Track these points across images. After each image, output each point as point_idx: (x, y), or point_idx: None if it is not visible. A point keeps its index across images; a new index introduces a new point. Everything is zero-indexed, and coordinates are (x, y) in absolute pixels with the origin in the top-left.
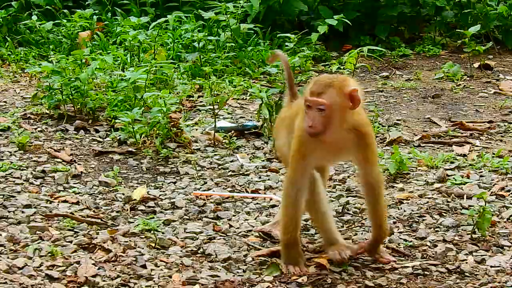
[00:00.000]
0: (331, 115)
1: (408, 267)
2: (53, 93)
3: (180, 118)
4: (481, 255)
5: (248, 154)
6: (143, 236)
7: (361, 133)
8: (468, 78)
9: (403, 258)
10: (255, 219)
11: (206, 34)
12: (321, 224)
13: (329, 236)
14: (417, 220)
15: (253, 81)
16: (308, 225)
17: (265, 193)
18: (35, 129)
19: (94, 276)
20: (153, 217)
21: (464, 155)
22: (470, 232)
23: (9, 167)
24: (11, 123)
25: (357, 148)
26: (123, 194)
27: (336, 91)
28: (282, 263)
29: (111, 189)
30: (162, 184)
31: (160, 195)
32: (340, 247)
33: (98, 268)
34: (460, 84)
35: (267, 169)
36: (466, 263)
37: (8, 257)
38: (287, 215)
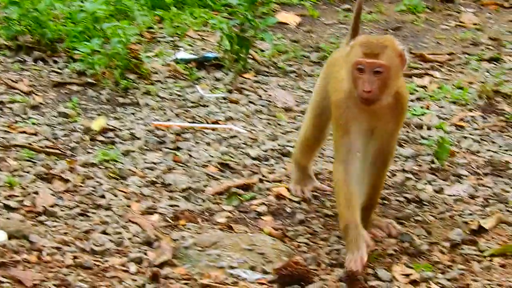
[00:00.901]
0: (389, 78)
1: None
2: (11, 24)
3: (140, 49)
4: (440, 185)
5: (208, 85)
6: (102, 167)
7: (402, 98)
8: (429, 11)
9: None
10: (215, 149)
11: None
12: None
13: None
14: None
15: (214, 12)
16: (268, 155)
17: (225, 124)
18: None
19: (52, 206)
20: (113, 148)
21: (424, 87)
22: (429, 162)
23: None
24: None
25: (392, 115)
26: (82, 125)
27: (392, 51)
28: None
29: (70, 120)
30: (122, 115)
31: (119, 126)
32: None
33: (57, 198)
34: (421, 17)
35: (227, 100)
36: (425, 192)
37: None
38: (341, 203)
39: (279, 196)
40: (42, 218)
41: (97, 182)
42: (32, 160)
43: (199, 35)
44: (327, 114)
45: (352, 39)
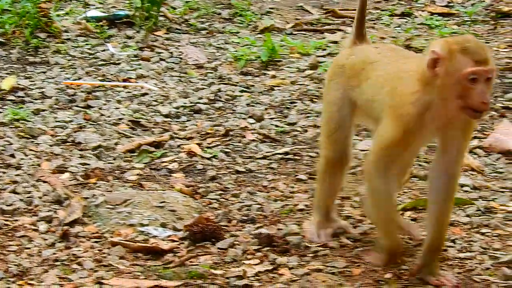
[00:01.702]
0: (493, 83)
1: (279, 153)
2: None
3: (51, 8)
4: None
5: (119, 43)
6: (12, 126)
7: None
8: None
9: (274, 144)
10: (126, 107)
11: None
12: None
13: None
14: (289, 106)
15: None
16: (179, 113)
17: (136, 82)
18: None
19: None
20: (23, 107)
21: (336, 42)
22: None
23: None
24: None
25: (464, 129)
26: None
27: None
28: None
29: None
30: (32, 74)
31: (30, 85)
32: None
33: None
34: None
35: (138, 58)
36: None
37: None
38: (381, 219)
39: (190, 153)
40: None
41: (7, 141)
42: None
43: None
44: (348, 125)
45: (358, 38)
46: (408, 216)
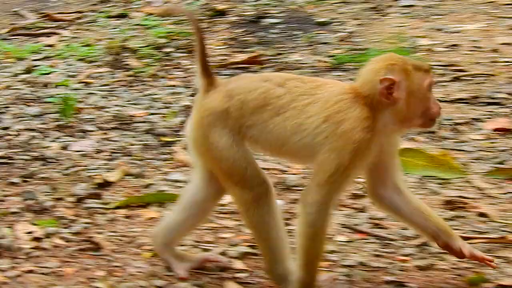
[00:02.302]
0: None
1: None
2: None
3: None
4: (65, 141)
5: None
6: None
7: None
8: None
9: None
10: None
11: None
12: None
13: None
14: (4, 111)
15: None
16: None
17: None
18: None
19: None
20: None
21: (52, 46)
22: (55, 120)
23: None
24: None
25: (395, 142)
26: None
27: None
28: None
29: None
30: None
31: None
32: None
33: None
34: None
35: None
36: (50, 149)
37: None
38: (314, 254)
39: None
40: None
41: None
42: None
43: None
44: (251, 159)
45: (209, 80)
46: (122, 215)
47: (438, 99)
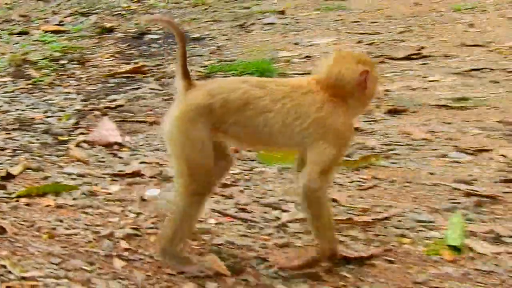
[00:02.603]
0: None
1: None
2: None
3: None
4: None
5: None
6: None
7: None
8: None
9: None
10: None
11: None
12: None
13: None
14: None
15: None
16: None
17: None
18: None
19: None
20: None
21: None
22: None
23: None
24: None
25: None
26: None
27: None
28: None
29: None
30: None
31: None
32: None
33: None
34: None
35: None
36: None
37: None
38: (329, 223)
39: None
40: None
41: None
42: None
43: None
44: (211, 160)
45: (188, 80)
46: (24, 203)
47: None
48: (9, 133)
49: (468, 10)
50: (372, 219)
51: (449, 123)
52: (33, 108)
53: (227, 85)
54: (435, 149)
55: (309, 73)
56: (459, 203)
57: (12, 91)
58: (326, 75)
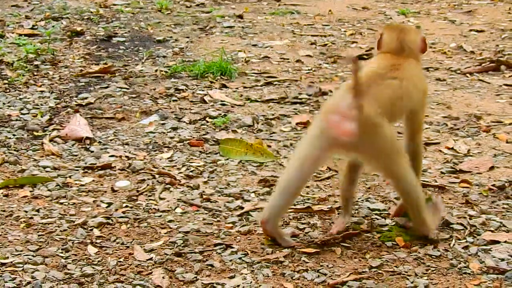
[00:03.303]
0: None
1: None
2: None
3: None
4: None
5: None
6: None
7: None
8: None
9: None
10: None
11: None
12: None
13: None
14: None
15: None
16: None
17: None
18: None
19: None
20: None
21: None
22: None
23: None
24: None
25: None
26: None
27: None
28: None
29: None
30: None
31: None
32: None
33: None
34: None
35: None
36: None
37: None
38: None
39: None
40: None
41: None
42: None
43: None
44: None
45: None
46: (2, 194)
47: (255, 100)
48: None
49: (413, 14)
50: (329, 208)
51: None
52: (10, 106)
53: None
54: None
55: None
56: None
57: None
58: (395, 46)
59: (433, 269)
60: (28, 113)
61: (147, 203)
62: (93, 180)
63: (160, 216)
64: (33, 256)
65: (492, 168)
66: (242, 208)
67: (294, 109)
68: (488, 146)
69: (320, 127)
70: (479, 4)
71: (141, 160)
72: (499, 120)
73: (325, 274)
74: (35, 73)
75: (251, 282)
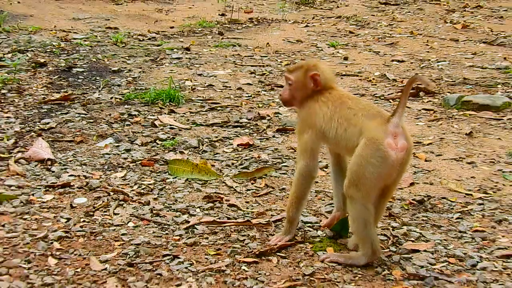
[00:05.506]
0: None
1: None
2: None
3: None
4: None
5: None
6: None
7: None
8: None
9: None
10: None
11: None
12: None
13: None
14: None
15: None
16: None
17: None
18: None
19: None
20: None
21: None
22: None
23: None
24: None
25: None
26: None
27: (302, 72)
28: None
29: None
30: None
31: None
32: None
33: None
34: None
35: None
36: None
37: None
38: None
39: None
40: None
41: None
42: None
43: None
44: None
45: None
46: None
47: (200, 124)
48: None
49: (342, 46)
50: (266, 221)
51: None
52: None
53: None
54: (319, 162)
55: (210, 99)
56: None
57: None
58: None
59: (360, 276)
60: None
61: (103, 218)
62: (54, 198)
63: (114, 229)
64: None
65: (412, 184)
66: (188, 222)
67: (236, 132)
68: (408, 164)
69: (381, 156)
70: (400, 36)
71: (97, 179)
72: (419, 141)
73: (263, 282)
74: (2, 101)
75: None
